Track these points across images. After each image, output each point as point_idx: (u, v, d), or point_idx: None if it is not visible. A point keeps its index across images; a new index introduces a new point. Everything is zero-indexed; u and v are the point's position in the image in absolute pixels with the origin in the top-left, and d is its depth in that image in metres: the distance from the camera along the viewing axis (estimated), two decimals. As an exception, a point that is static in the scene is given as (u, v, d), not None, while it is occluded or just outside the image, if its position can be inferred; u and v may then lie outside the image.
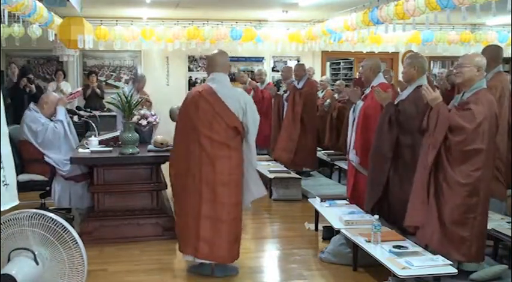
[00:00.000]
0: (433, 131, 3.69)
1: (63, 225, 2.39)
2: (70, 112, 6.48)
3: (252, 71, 10.79)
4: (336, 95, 8.56)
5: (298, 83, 7.56)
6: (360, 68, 5.26)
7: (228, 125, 3.90)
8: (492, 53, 4.75)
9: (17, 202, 2.62)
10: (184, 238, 4.00)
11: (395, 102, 4.53)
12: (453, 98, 4.02)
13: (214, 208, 3.88)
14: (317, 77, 10.50)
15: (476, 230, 3.66)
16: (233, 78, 11.20)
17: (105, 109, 9.50)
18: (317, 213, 5.10)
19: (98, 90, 9.89)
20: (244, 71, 10.34)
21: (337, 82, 9.06)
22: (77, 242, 2.40)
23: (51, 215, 2.36)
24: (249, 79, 9.37)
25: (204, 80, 11.29)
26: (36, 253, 2.30)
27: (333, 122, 8.03)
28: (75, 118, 6.69)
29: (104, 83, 10.92)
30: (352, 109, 5.20)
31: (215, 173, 3.86)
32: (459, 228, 3.63)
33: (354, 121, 5.08)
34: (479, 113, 3.57)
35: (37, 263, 2.31)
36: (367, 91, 5.05)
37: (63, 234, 2.38)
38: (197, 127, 3.87)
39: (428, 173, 3.71)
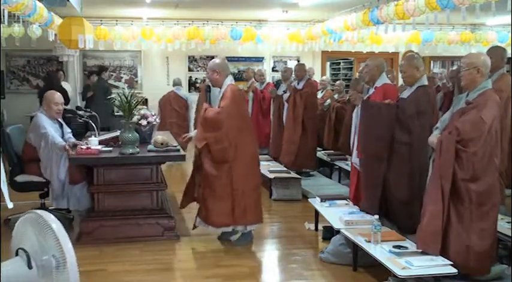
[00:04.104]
0: (440, 160, 3.62)
1: (54, 229, 2.29)
2: (70, 112, 6.49)
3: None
4: (335, 96, 8.57)
5: (298, 83, 7.56)
6: (365, 67, 5.23)
7: None
8: (496, 54, 4.75)
9: (11, 204, 2.62)
10: (244, 211, 4.62)
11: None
12: (454, 96, 4.03)
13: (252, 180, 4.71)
14: (317, 77, 10.51)
15: (493, 238, 3.66)
16: (241, 78, 11.24)
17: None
18: (317, 213, 5.10)
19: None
20: (248, 68, 10.36)
21: (337, 82, 9.06)
22: (68, 249, 2.29)
23: (47, 218, 2.28)
24: (253, 79, 9.33)
25: (204, 80, 11.35)
26: (31, 256, 2.24)
27: (332, 122, 8.04)
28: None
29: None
30: (355, 111, 5.17)
31: (255, 151, 4.77)
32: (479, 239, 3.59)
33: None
34: (489, 117, 3.54)
35: (30, 267, 2.24)
36: (370, 91, 5.05)
37: (55, 237, 2.29)
38: (248, 117, 4.91)
39: (443, 201, 3.59)
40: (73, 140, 5.42)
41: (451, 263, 3.49)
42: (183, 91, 10.03)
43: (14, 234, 2.33)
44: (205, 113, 4.59)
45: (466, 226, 3.57)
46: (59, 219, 2.30)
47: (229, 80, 4.67)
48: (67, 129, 5.50)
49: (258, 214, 4.78)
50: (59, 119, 5.37)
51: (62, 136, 5.31)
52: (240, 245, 4.75)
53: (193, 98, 9.72)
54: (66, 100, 8.75)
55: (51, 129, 5.07)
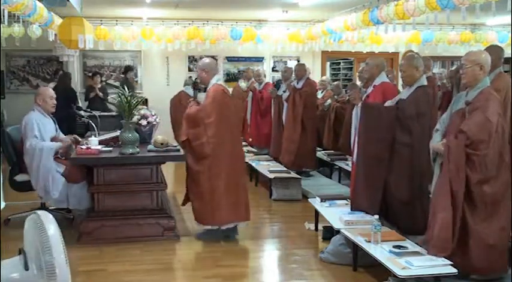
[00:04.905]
0: (449, 166, 3.61)
1: (48, 232, 2.24)
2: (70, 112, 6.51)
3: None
4: (335, 96, 8.57)
5: (297, 83, 7.56)
6: (365, 65, 5.25)
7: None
8: (493, 53, 4.75)
9: (3, 204, 2.60)
10: (226, 211, 4.73)
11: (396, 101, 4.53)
12: (453, 97, 4.03)
13: (244, 178, 5.07)
14: (317, 77, 10.50)
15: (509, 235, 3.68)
16: (240, 78, 11.26)
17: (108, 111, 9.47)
18: (317, 213, 5.10)
19: (100, 94, 9.87)
20: (248, 68, 10.37)
21: (335, 83, 9.04)
22: (59, 254, 2.23)
23: (44, 219, 2.25)
24: (253, 79, 9.33)
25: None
26: (31, 258, 2.21)
27: (331, 122, 8.04)
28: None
29: (104, 83, 10.91)
30: (355, 111, 5.18)
31: (237, 149, 4.90)
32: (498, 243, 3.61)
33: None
34: (494, 116, 3.55)
35: (26, 268, 2.21)
36: (369, 90, 5.05)
37: (49, 241, 2.24)
38: (232, 116, 4.89)
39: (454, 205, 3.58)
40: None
41: (451, 262, 3.50)
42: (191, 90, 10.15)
43: (23, 234, 2.32)
44: (188, 109, 4.79)
45: (485, 227, 3.56)
46: (58, 219, 2.29)
47: (215, 80, 4.87)
48: (61, 133, 5.54)
49: (240, 214, 4.85)
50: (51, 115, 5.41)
51: (56, 131, 5.37)
52: (203, 239, 4.85)
53: (201, 96, 9.70)
54: (75, 100, 8.90)
55: (42, 137, 5.07)
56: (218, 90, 4.80)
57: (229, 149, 4.77)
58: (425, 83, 4.53)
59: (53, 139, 5.23)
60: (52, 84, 9.66)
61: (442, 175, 3.70)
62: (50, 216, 2.25)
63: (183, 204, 5.09)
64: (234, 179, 4.79)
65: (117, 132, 5.30)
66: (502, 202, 3.60)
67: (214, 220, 4.76)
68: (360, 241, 3.94)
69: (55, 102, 5.35)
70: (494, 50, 4.81)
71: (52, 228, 2.18)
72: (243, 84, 9.49)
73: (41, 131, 5.09)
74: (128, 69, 10.26)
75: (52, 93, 5.38)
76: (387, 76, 5.23)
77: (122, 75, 10.48)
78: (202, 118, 4.68)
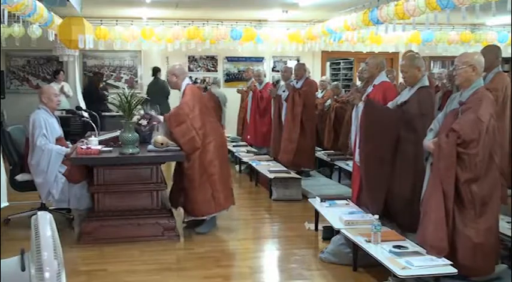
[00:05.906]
0: (439, 165, 3.61)
1: (41, 235, 2.21)
2: (70, 112, 6.50)
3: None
4: (335, 96, 8.57)
5: (297, 83, 7.57)
6: (365, 65, 5.26)
7: None
8: (491, 53, 4.75)
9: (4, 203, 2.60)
10: (223, 196, 5.05)
11: (399, 102, 4.52)
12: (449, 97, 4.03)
13: (229, 163, 5.47)
14: (317, 77, 10.50)
15: (497, 236, 3.66)
16: (241, 78, 11.28)
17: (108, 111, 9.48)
18: (317, 213, 5.10)
19: (100, 94, 9.86)
20: (248, 68, 10.37)
21: (334, 83, 9.04)
22: (49, 257, 2.17)
23: (41, 221, 2.22)
24: (253, 79, 9.32)
25: (203, 80, 11.36)
26: (26, 257, 2.18)
27: (331, 122, 8.04)
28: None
29: (104, 83, 10.91)
30: (354, 110, 5.18)
31: (221, 140, 5.26)
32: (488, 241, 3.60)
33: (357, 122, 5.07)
34: (486, 116, 3.54)
35: (23, 269, 2.17)
36: (369, 89, 5.05)
37: (39, 244, 2.21)
38: (211, 108, 5.36)
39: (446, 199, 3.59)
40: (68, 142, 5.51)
41: (451, 262, 3.50)
42: (218, 89, 9.90)
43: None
44: (168, 113, 5.08)
45: (473, 227, 3.56)
46: (58, 219, 2.28)
47: (186, 82, 5.17)
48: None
49: (232, 197, 5.27)
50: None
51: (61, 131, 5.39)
52: (203, 233, 5.00)
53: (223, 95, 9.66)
54: (102, 103, 9.15)
55: (48, 137, 5.09)
56: (193, 88, 5.19)
57: (215, 136, 5.06)
58: (427, 83, 4.52)
59: (57, 139, 5.23)
60: (53, 84, 9.68)
61: (432, 174, 3.71)
62: (48, 216, 2.24)
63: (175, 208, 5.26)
64: (224, 165, 5.14)
65: (117, 132, 5.31)
66: (490, 202, 3.59)
67: (215, 207, 5.02)
68: (360, 241, 3.94)
69: (60, 99, 5.39)
70: (491, 50, 4.81)
71: (47, 228, 2.16)
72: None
73: (48, 130, 5.11)
74: (157, 70, 10.32)
75: (56, 90, 5.42)
76: (387, 76, 5.23)
77: (152, 77, 10.49)
78: (187, 113, 4.92)
